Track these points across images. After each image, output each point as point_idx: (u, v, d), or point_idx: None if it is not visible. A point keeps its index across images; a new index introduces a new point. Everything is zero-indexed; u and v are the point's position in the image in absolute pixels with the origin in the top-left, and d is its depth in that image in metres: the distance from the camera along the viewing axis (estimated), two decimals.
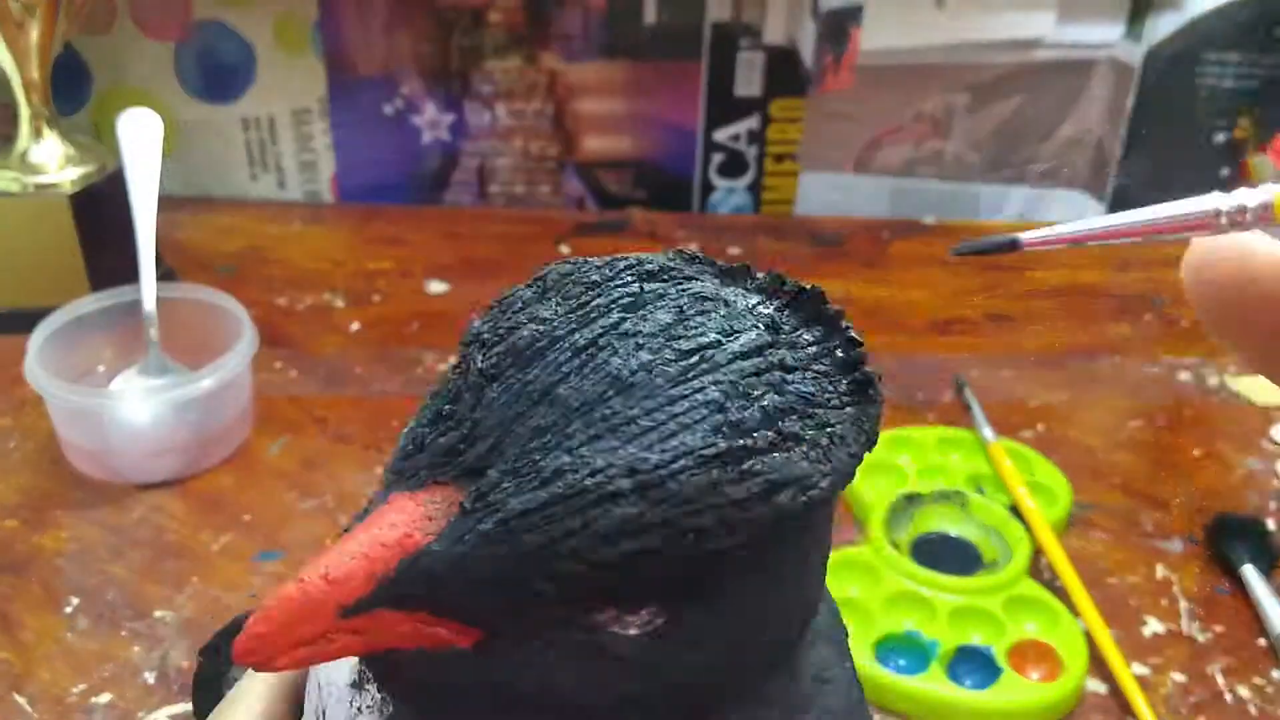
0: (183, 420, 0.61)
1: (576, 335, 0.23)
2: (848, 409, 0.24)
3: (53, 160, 0.74)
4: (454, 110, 0.92)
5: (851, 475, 0.23)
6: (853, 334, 0.24)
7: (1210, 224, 0.19)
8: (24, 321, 0.66)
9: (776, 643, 0.26)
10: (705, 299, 0.24)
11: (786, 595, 0.25)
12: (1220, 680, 0.51)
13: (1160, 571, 0.57)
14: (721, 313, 0.24)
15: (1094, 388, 0.72)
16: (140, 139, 0.68)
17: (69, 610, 0.54)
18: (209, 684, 0.34)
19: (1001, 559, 0.55)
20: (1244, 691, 0.50)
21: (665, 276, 0.25)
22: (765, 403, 0.22)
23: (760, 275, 0.26)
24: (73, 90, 0.90)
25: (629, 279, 0.24)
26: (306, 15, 0.88)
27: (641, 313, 0.23)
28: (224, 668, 0.34)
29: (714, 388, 0.22)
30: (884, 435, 0.64)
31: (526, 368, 0.23)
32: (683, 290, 0.24)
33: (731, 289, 0.25)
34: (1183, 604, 0.55)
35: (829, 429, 0.23)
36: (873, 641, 0.50)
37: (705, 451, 0.21)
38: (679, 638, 0.23)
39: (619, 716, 0.24)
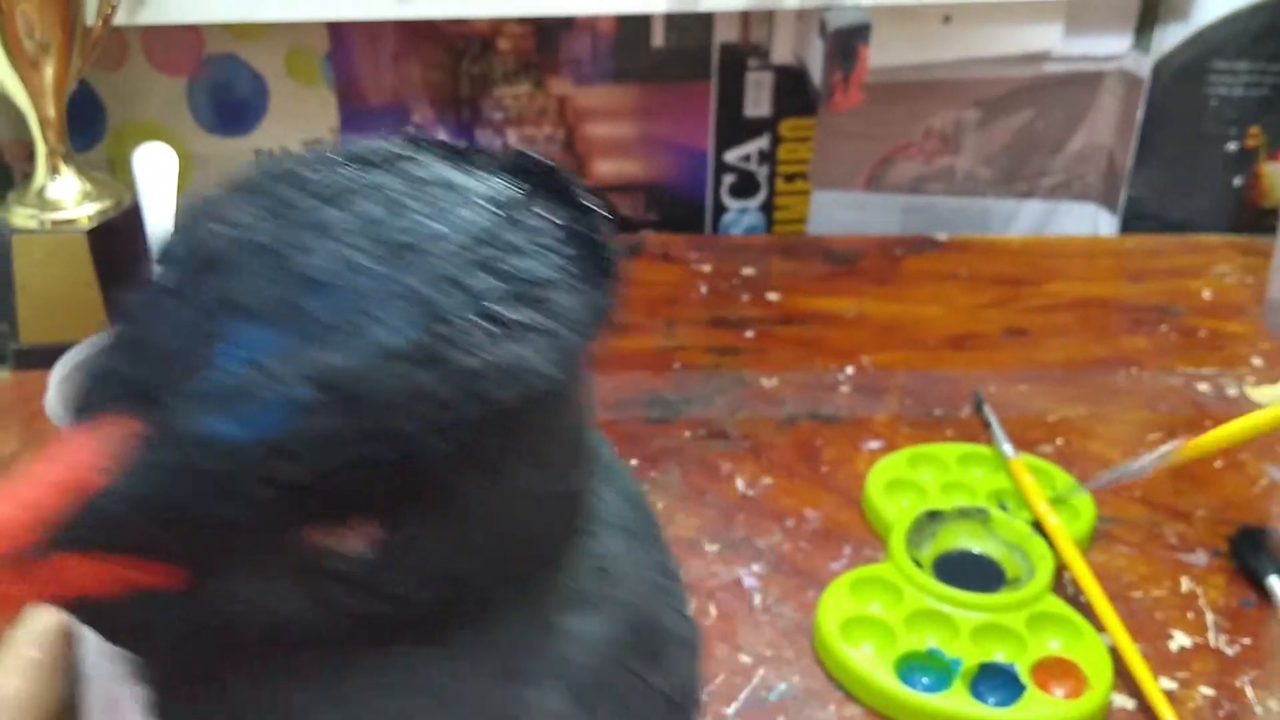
0: None
1: (265, 235, 0.20)
2: (585, 290, 0.21)
3: (69, 196, 0.75)
4: (465, 137, 0.92)
5: (581, 359, 0.21)
6: (603, 211, 0.22)
7: None
8: (44, 357, 0.66)
9: (528, 544, 0.23)
10: (427, 184, 0.21)
11: (527, 493, 0.22)
12: (1250, 693, 0.50)
13: (1185, 585, 0.57)
14: (446, 201, 0.21)
15: (1113, 400, 0.72)
16: (155, 173, 0.68)
17: None
18: None
19: (1024, 575, 0.55)
20: (1274, 704, 0.50)
21: (386, 166, 0.22)
22: (478, 287, 0.20)
23: (501, 155, 0.23)
24: (88, 126, 0.90)
25: (342, 171, 0.21)
26: (317, 47, 0.89)
27: (346, 205, 0.20)
28: None
29: (420, 279, 0.19)
30: (904, 452, 0.64)
31: (208, 276, 0.20)
32: (402, 177, 0.21)
33: (467, 173, 0.22)
34: (1209, 617, 0.55)
35: (558, 311, 0.20)
36: (894, 660, 0.50)
37: (399, 346, 0.19)
38: (404, 549, 0.21)
39: (353, 640, 0.22)
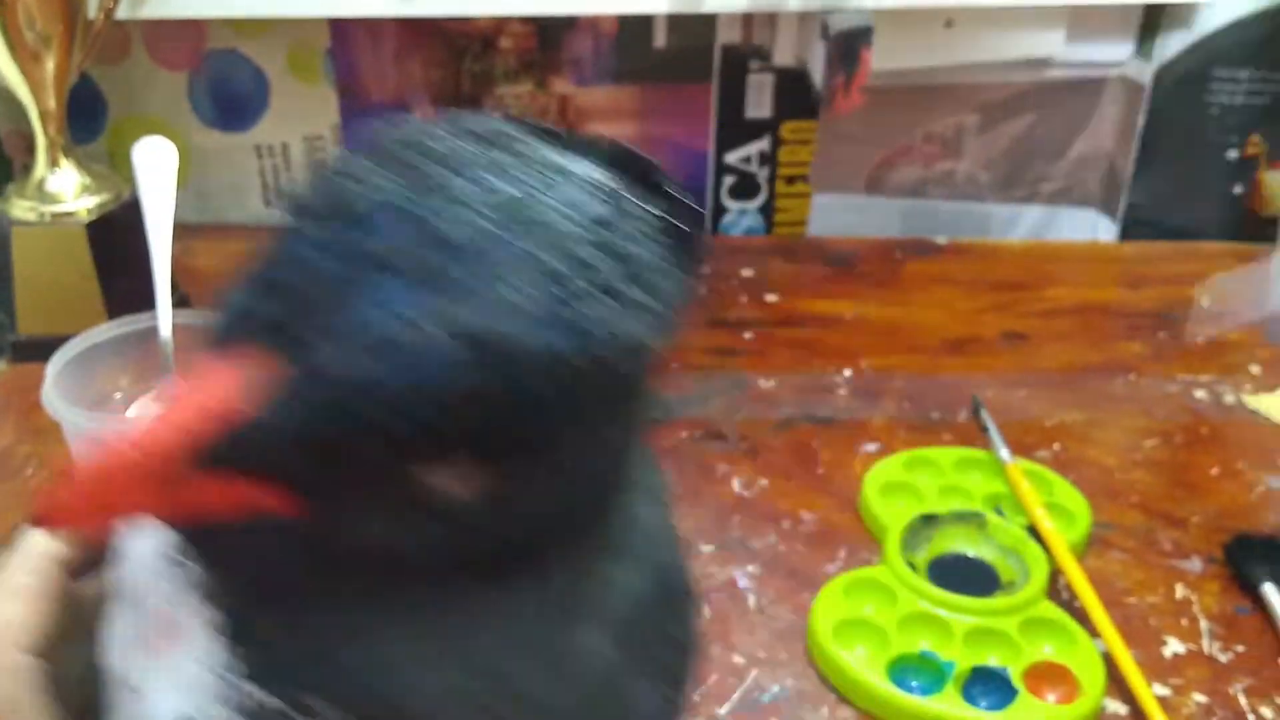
0: None
1: (403, 199, 0.23)
2: (680, 276, 0.24)
3: (69, 189, 0.74)
4: None
5: (677, 336, 0.24)
6: (693, 204, 0.25)
7: None
8: (42, 349, 0.66)
9: (596, 497, 0.26)
10: (537, 164, 0.24)
11: (608, 450, 0.26)
12: (1243, 700, 0.50)
13: (1180, 591, 0.57)
14: (559, 182, 0.24)
15: (1110, 407, 0.72)
16: (155, 167, 0.68)
17: None
18: None
19: (1019, 580, 0.55)
20: (1267, 712, 0.50)
21: (498, 142, 0.24)
22: (601, 268, 0.22)
23: (605, 145, 0.25)
24: (88, 119, 0.90)
25: (463, 144, 0.24)
26: (318, 43, 0.88)
27: (472, 176, 0.23)
28: None
29: (548, 253, 0.22)
30: (901, 456, 0.64)
31: (350, 232, 0.22)
32: (515, 155, 0.24)
33: (569, 158, 0.25)
34: (1203, 624, 0.55)
35: (662, 293, 0.24)
36: (887, 662, 0.50)
37: (535, 310, 0.21)
38: (506, 494, 0.23)
39: (452, 576, 0.25)
